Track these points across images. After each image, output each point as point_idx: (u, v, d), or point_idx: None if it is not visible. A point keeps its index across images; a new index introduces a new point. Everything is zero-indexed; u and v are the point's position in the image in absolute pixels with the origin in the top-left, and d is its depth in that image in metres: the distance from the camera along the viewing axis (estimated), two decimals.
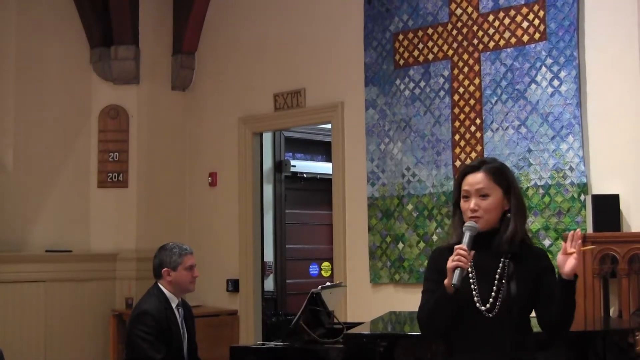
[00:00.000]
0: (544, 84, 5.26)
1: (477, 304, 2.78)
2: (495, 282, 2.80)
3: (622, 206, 4.86)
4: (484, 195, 2.83)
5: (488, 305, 2.78)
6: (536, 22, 5.31)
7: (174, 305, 4.59)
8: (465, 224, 2.81)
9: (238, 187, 7.18)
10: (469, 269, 2.77)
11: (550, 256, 2.98)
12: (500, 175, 2.88)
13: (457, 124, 5.68)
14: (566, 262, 2.71)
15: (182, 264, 4.61)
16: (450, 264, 2.70)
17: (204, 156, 7.54)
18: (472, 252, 2.72)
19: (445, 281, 2.71)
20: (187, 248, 4.70)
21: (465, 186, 2.87)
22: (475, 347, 2.80)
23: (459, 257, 2.69)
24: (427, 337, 3.50)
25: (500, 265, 2.82)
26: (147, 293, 4.66)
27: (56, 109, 7.22)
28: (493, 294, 2.79)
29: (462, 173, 2.92)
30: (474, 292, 2.79)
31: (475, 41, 5.61)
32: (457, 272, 2.68)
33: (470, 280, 2.80)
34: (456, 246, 2.73)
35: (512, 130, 5.40)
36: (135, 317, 4.51)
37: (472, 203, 2.82)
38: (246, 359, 4.37)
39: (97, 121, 7.42)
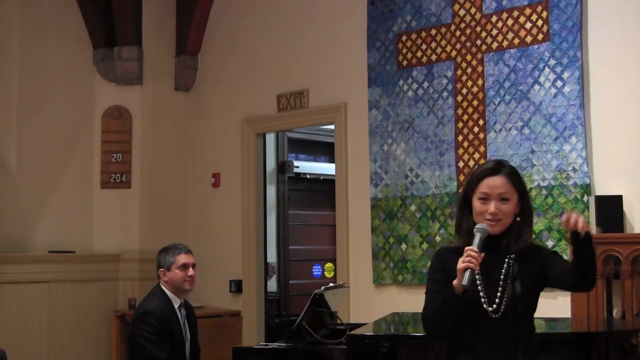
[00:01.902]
0: (547, 84, 5.26)
1: (484, 305, 2.79)
2: (500, 282, 2.81)
3: (625, 207, 4.85)
4: (504, 199, 2.84)
5: (494, 306, 2.78)
6: (539, 23, 5.31)
7: (176, 306, 4.59)
8: (477, 226, 2.80)
9: (241, 188, 7.17)
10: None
11: None
12: (517, 179, 2.90)
13: (460, 124, 5.68)
14: (574, 222, 2.64)
15: (175, 262, 4.60)
16: (460, 265, 2.69)
17: (207, 157, 7.54)
18: (483, 254, 2.72)
19: (455, 282, 2.71)
20: (180, 247, 4.69)
21: (484, 189, 2.85)
22: (480, 347, 2.80)
23: (470, 259, 2.68)
24: (431, 337, 3.51)
25: (505, 266, 2.82)
26: (149, 293, 4.67)
27: (59, 110, 7.22)
28: (498, 294, 2.79)
29: (480, 175, 2.89)
30: (481, 293, 2.80)
31: (479, 42, 5.61)
32: (467, 273, 2.67)
33: (477, 281, 2.80)
34: (467, 247, 2.72)
35: (515, 131, 5.39)
36: (137, 317, 4.51)
37: (493, 206, 2.82)
38: None
39: (100, 122, 7.42)
